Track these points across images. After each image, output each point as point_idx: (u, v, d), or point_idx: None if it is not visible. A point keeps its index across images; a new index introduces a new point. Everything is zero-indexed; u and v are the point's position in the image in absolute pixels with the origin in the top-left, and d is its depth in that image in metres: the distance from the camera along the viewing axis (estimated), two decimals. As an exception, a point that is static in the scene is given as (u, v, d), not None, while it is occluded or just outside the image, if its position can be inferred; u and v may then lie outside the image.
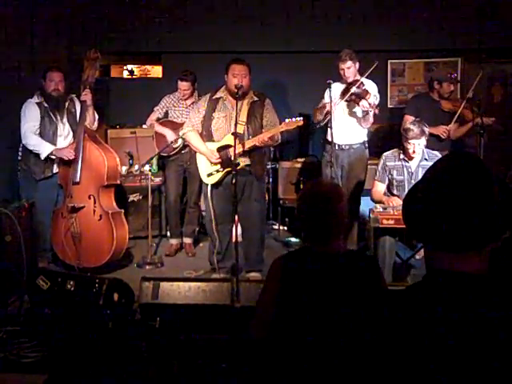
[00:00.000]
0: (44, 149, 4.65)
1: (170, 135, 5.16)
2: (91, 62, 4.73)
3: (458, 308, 1.07)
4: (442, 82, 5.13)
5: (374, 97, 4.76)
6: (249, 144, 4.16)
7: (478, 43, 6.23)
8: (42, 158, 4.67)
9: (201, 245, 5.56)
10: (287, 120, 4.17)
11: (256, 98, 4.28)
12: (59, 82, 4.75)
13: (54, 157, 4.71)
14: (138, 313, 3.63)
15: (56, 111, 4.78)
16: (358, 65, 4.77)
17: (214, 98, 4.30)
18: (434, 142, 4.70)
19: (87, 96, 4.68)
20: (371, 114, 4.63)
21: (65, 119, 4.82)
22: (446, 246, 1.10)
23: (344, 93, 4.74)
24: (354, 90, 4.62)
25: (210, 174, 4.30)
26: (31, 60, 5.42)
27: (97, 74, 4.82)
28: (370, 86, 4.78)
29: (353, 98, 4.68)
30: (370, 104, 4.56)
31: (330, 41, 6.19)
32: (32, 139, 4.66)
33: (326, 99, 4.73)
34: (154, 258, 5.12)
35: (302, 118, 4.16)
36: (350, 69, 4.70)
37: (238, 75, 4.12)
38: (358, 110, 4.75)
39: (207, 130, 4.30)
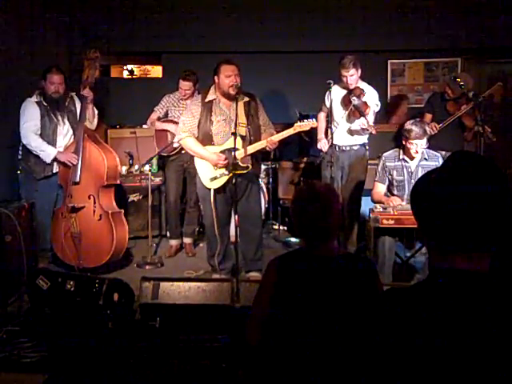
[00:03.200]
0: (48, 153, 4.65)
1: (173, 129, 5.13)
2: (91, 61, 4.71)
3: (464, 306, 1.06)
4: (446, 83, 5.30)
5: (375, 105, 4.77)
6: (257, 147, 4.14)
7: (478, 43, 6.23)
8: (48, 162, 4.67)
9: (201, 245, 5.56)
10: (300, 122, 4.15)
11: (247, 98, 4.22)
12: (59, 85, 4.73)
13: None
14: (138, 313, 3.63)
15: (56, 112, 4.77)
16: (360, 71, 4.71)
17: (206, 101, 4.21)
18: None
19: (88, 94, 4.67)
20: (367, 130, 4.64)
21: (65, 119, 4.82)
22: (469, 247, 1.09)
23: (345, 102, 4.75)
24: (354, 100, 4.60)
25: (213, 178, 4.22)
26: (31, 60, 5.41)
27: (97, 73, 4.81)
28: (371, 94, 4.77)
29: (352, 110, 4.68)
30: (368, 122, 4.57)
31: (330, 41, 6.19)
32: (34, 140, 4.64)
33: (327, 101, 4.75)
34: (154, 258, 5.12)
35: (314, 120, 4.16)
36: (352, 76, 4.65)
37: (232, 75, 4.08)
38: (356, 124, 4.75)
39: (206, 135, 4.20)
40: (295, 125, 4.15)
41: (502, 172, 1.11)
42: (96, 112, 4.89)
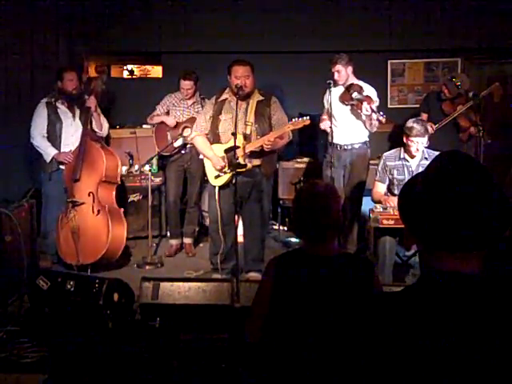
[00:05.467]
0: (47, 154, 4.78)
1: (169, 121, 5.20)
2: (99, 74, 4.85)
3: (458, 309, 1.06)
4: (443, 82, 5.32)
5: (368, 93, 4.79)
6: (254, 146, 4.15)
7: (478, 43, 6.23)
8: (48, 162, 4.80)
9: (201, 245, 5.56)
10: (294, 120, 4.16)
11: (262, 98, 4.28)
12: (77, 81, 4.86)
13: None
14: (138, 313, 3.63)
15: (73, 108, 4.86)
16: (350, 69, 4.77)
17: (219, 100, 4.31)
18: None
19: (92, 103, 4.81)
20: (375, 118, 4.63)
21: (78, 116, 4.89)
22: (457, 247, 1.08)
23: (344, 97, 4.75)
24: (355, 95, 4.63)
25: (217, 176, 4.29)
26: (31, 60, 5.42)
27: (103, 86, 5.01)
28: (369, 91, 4.79)
29: (355, 104, 4.69)
30: (372, 109, 4.57)
31: (329, 41, 6.19)
32: (37, 141, 4.78)
33: (325, 101, 4.76)
34: (154, 258, 5.12)
35: (308, 117, 4.16)
36: (340, 72, 4.74)
37: (240, 77, 4.13)
38: (358, 120, 4.77)
39: (214, 133, 4.30)
40: (289, 123, 4.16)
41: (488, 171, 1.09)
42: (105, 122, 5.01)
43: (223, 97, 4.30)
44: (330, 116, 4.68)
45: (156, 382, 3.07)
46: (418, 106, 5.90)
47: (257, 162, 4.25)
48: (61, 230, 4.76)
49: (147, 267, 4.94)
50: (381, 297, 1.24)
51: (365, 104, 4.58)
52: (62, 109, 4.84)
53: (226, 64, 4.31)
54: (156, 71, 8.05)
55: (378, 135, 5.68)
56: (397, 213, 3.95)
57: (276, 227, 6.01)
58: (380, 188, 4.39)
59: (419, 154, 4.21)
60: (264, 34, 6.26)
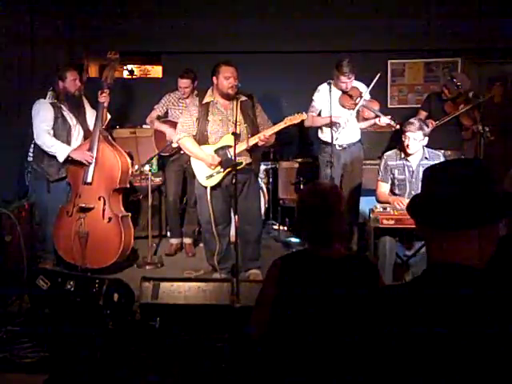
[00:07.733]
0: (61, 152, 4.55)
1: (169, 132, 5.16)
2: (111, 63, 4.70)
3: (459, 300, 1.08)
4: (443, 83, 5.36)
5: (367, 94, 4.81)
6: (252, 141, 4.16)
7: (477, 43, 6.23)
8: (61, 161, 4.58)
9: (201, 245, 5.54)
10: (290, 116, 4.16)
11: (244, 98, 4.25)
12: (79, 81, 4.74)
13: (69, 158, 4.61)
14: (138, 313, 3.63)
15: (75, 110, 4.72)
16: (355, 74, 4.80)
17: (203, 103, 4.25)
18: None
19: (106, 97, 4.65)
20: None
21: (78, 119, 4.77)
22: (446, 224, 1.17)
23: (344, 102, 4.77)
24: (361, 103, 4.67)
25: (210, 176, 4.24)
26: (31, 61, 5.41)
27: (115, 74, 4.83)
28: (360, 88, 4.82)
29: (363, 110, 4.73)
30: (392, 121, 4.61)
31: (329, 41, 6.19)
32: (47, 140, 4.53)
33: (318, 101, 4.76)
34: (154, 258, 5.12)
35: (304, 112, 4.18)
36: (351, 81, 4.75)
37: (231, 76, 4.11)
38: (366, 123, 4.79)
39: (202, 134, 4.23)
40: (285, 118, 4.16)
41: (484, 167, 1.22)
42: (109, 117, 4.85)
43: (207, 99, 4.25)
44: (331, 116, 4.68)
45: (156, 382, 3.07)
46: (418, 106, 5.91)
47: (248, 159, 4.25)
48: (62, 227, 4.61)
49: (147, 267, 4.93)
50: (387, 290, 1.27)
51: (383, 118, 4.61)
52: (66, 111, 4.68)
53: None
54: (156, 71, 8.05)
55: (378, 135, 5.69)
56: (397, 213, 3.96)
57: (276, 227, 6.01)
58: (384, 188, 4.38)
59: (413, 150, 4.17)
60: (264, 34, 6.26)
